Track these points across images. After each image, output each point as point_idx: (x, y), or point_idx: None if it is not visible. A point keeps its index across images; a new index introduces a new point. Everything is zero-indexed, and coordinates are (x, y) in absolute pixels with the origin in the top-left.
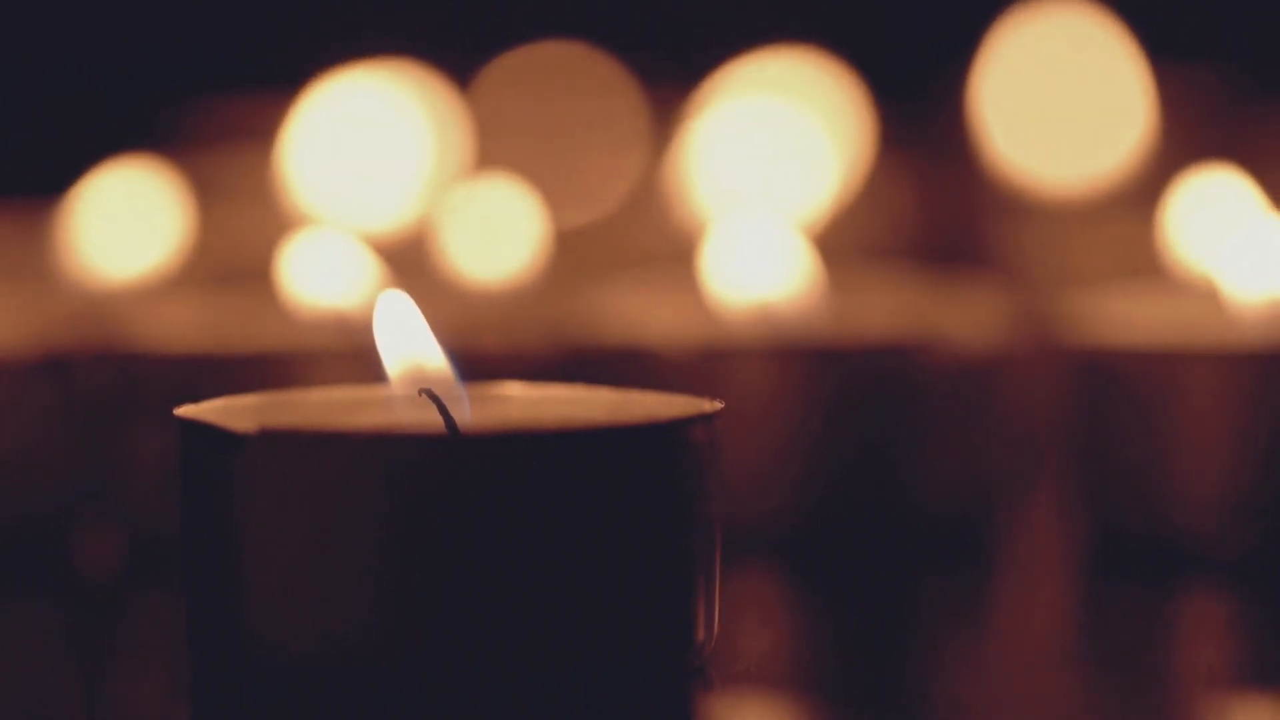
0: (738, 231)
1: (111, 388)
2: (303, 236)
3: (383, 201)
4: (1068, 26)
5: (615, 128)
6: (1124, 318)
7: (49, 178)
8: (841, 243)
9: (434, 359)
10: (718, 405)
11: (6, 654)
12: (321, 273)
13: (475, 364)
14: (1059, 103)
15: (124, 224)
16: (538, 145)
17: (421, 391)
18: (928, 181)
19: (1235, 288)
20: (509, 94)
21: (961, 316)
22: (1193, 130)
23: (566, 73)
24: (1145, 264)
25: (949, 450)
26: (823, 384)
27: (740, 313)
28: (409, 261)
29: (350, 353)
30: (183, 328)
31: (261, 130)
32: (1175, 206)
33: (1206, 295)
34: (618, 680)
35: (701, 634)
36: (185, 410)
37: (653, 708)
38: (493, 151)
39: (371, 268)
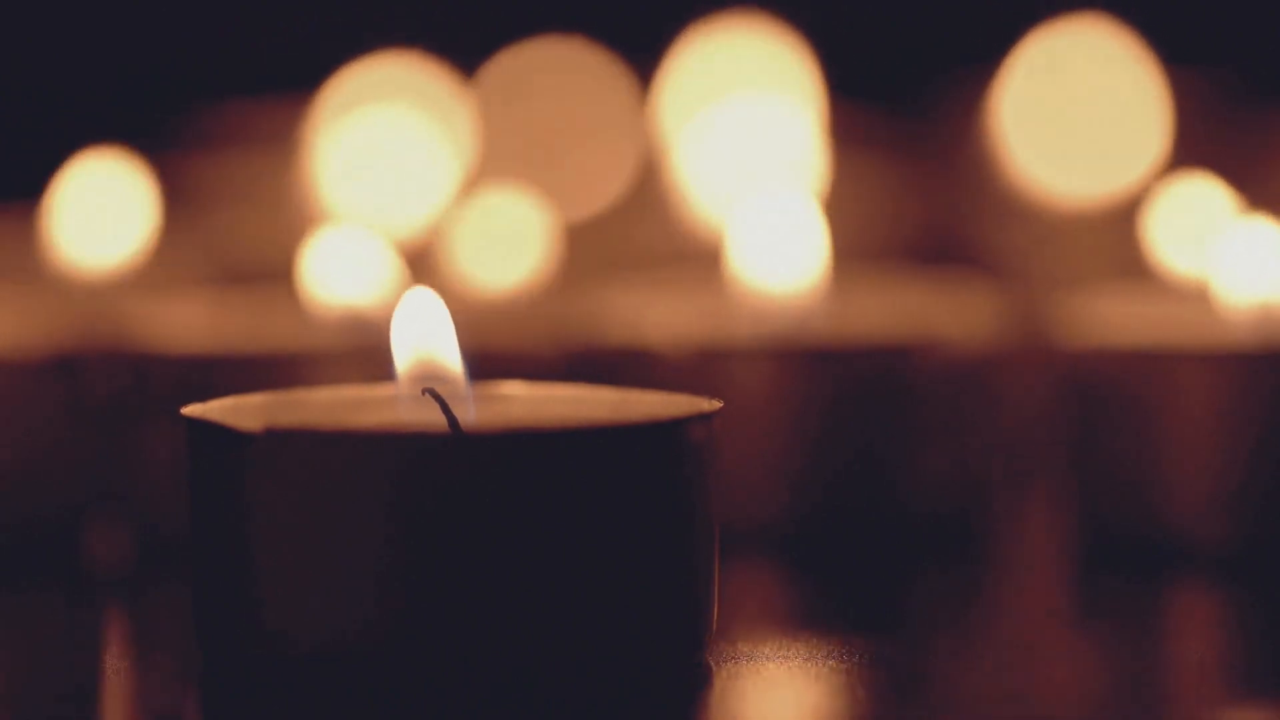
0: (760, 222)
1: (120, 387)
2: (322, 234)
3: (394, 201)
4: (1070, 32)
5: (613, 124)
6: (1115, 319)
7: (57, 179)
8: (837, 244)
9: (451, 358)
10: (717, 405)
11: (19, 649)
12: (339, 270)
13: (478, 363)
14: (1052, 104)
15: (132, 225)
16: (536, 142)
17: (425, 391)
18: (923, 183)
19: (1225, 289)
20: (506, 91)
21: (956, 317)
22: (1187, 133)
23: (562, 69)
24: (1137, 266)
25: (944, 449)
26: (820, 384)
27: (753, 304)
28: (418, 260)
29: (356, 352)
30: (191, 328)
31: (271, 132)
32: (1162, 209)
33: (1196, 297)
34: (618, 674)
35: (701, 628)
36: (193, 409)
37: (653, 700)
38: (493, 149)
39: (390, 266)
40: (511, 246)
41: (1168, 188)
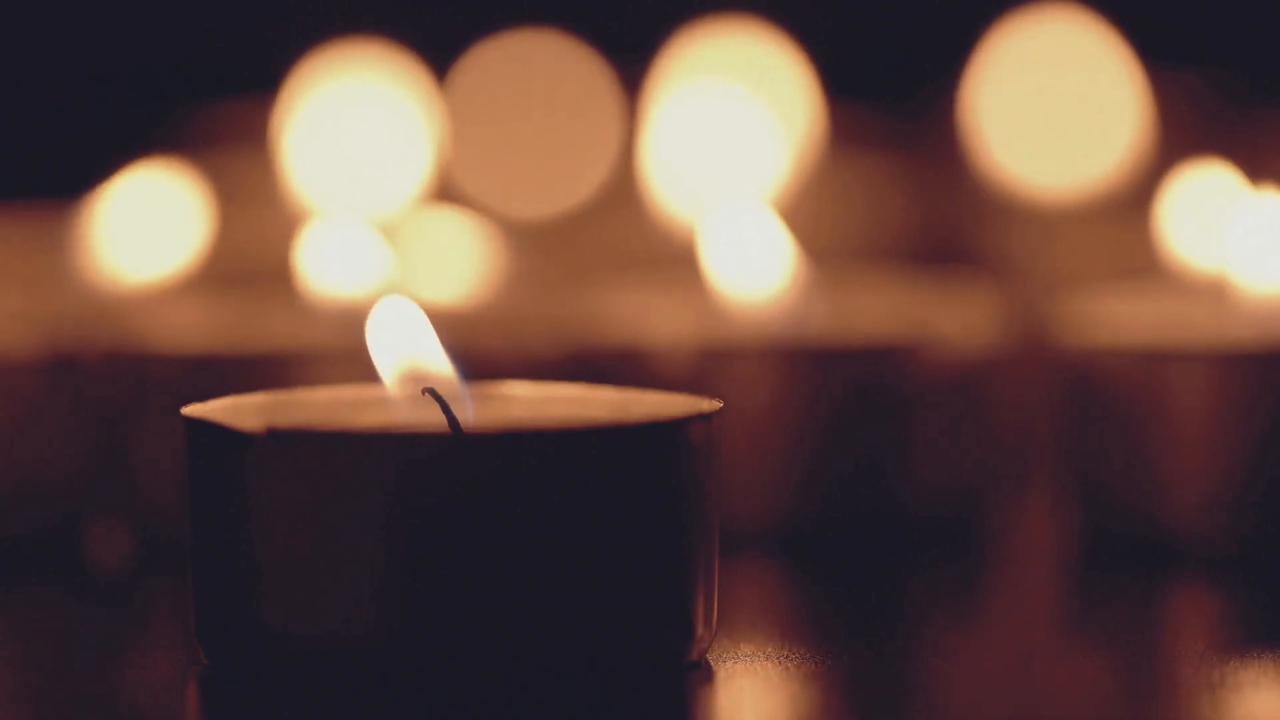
0: (728, 228)
1: (120, 387)
2: (317, 229)
3: (384, 195)
4: (1060, 30)
5: (599, 120)
6: (1115, 319)
7: (60, 180)
8: (835, 244)
9: (437, 361)
10: (717, 405)
11: (19, 649)
12: (336, 265)
13: (478, 363)
14: (1051, 106)
15: (130, 225)
16: (520, 138)
17: (425, 391)
18: (921, 183)
19: (1238, 282)
20: (484, 85)
21: (955, 318)
22: (1183, 133)
23: (542, 62)
24: (1137, 265)
25: (943, 450)
26: (818, 384)
27: (737, 309)
28: (407, 255)
29: (356, 351)
30: (190, 328)
31: (267, 131)
32: (1170, 204)
33: (1198, 295)
34: (618, 673)
35: (700, 629)
36: (192, 409)
37: (652, 700)
38: (480, 146)
39: (385, 259)
40: (479, 247)
41: (1177, 179)
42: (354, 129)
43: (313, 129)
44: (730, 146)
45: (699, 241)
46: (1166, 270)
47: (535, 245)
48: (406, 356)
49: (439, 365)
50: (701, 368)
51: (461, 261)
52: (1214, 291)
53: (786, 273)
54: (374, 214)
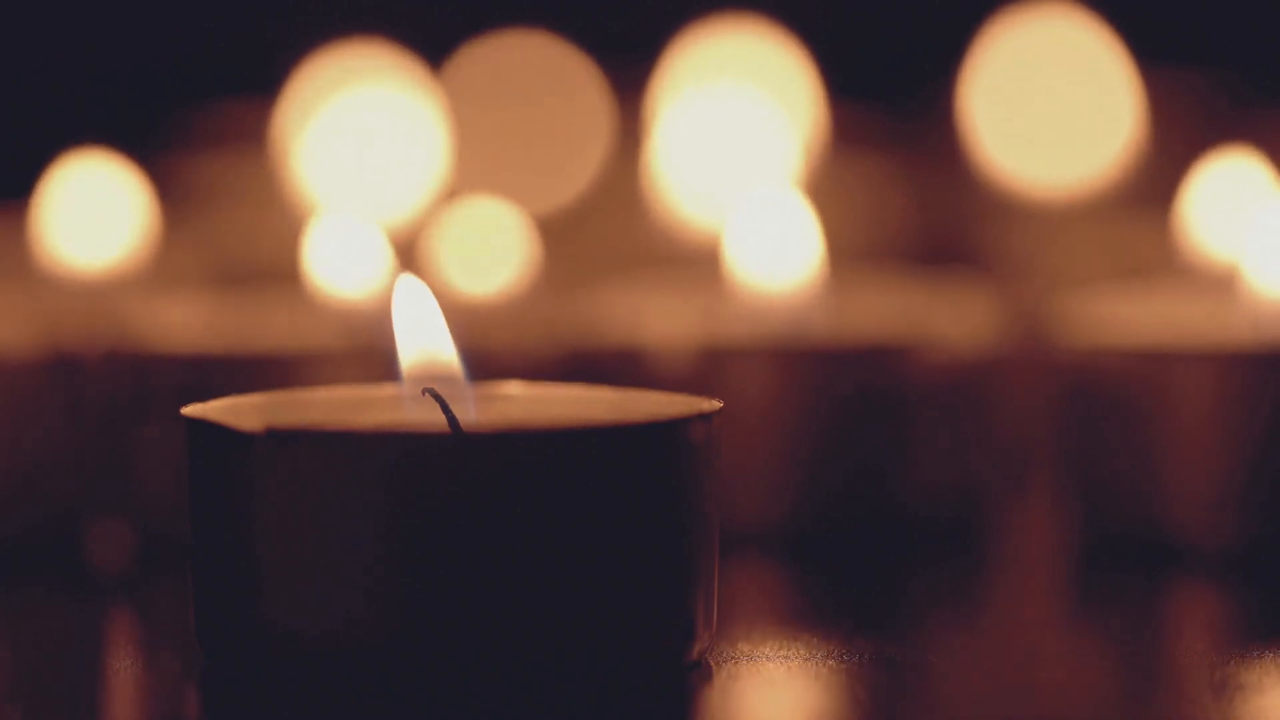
0: (754, 222)
1: (120, 387)
2: (318, 229)
3: (383, 197)
4: (1057, 29)
5: (599, 120)
6: (1115, 319)
7: (58, 180)
8: (835, 244)
9: (445, 350)
10: (717, 405)
11: (19, 649)
12: (337, 265)
13: (477, 363)
14: (1049, 105)
15: (124, 225)
16: (510, 139)
17: (425, 391)
18: (921, 184)
19: (1246, 281)
20: (479, 85)
21: (954, 318)
22: (1181, 131)
23: (541, 62)
24: (1137, 263)
25: (943, 449)
26: (819, 384)
27: (750, 305)
28: (409, 255)
29: (356, 352)
30: (191, 328)
31: (266, 131)
32: (1187, 198)
33: (1199, 294)
34: (617, 673)
35: (700, 629)
36: (192, 409)
37: (652, 700)
38: (467, 145)
39: (386, 258)
40: (493, 245)
41: (1197, 172)
42: (355, 129)
43: (313, 129)
44: (731, 146)
45: (722, 234)
46: (1169, 268)
47: (534, 245)
48: (422, 342)
49: (446, 352)
50: (701, 368)
51: (463, 259)
52: (1215, 291)
53: (813, 262)
54: (378, 213)
